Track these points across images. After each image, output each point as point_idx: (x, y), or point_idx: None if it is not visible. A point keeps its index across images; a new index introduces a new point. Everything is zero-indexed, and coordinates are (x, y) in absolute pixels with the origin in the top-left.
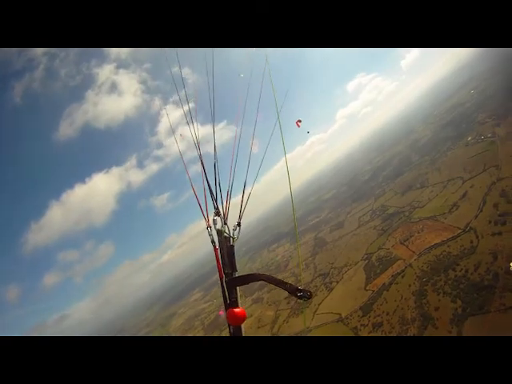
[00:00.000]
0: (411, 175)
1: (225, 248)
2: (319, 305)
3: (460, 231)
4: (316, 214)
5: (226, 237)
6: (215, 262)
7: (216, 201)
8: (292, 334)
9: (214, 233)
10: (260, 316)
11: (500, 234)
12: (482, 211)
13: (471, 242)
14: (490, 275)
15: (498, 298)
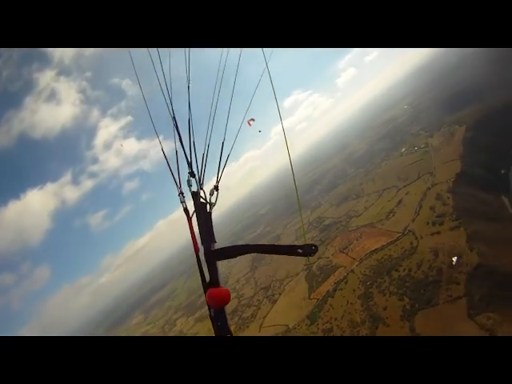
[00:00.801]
0: (346, 187)
1: (202, 216)
2: (264, 318)
3: (399, 235)
4: (253, 229)
5: (201, 203)
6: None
7: (190, 161)
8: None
9: (188, 200)
10: None
11: (439, 233)
12: (418, 215)
13: (411, 243)
14: (434, 271)
15: (445, 291)
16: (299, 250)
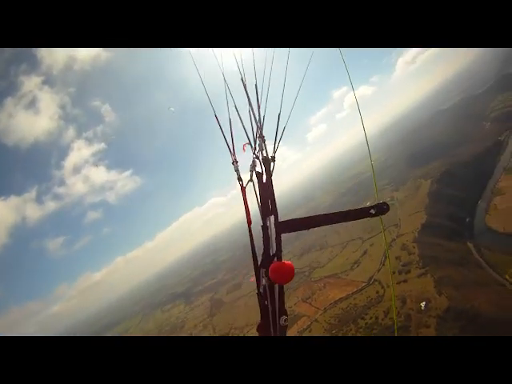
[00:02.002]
0: (310, 238)
1: (261, 185)
2: None
3: (364, 284)
4: (212, 276)
5: (258, 173)
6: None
7: (262, 124)
8: None
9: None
10: None
11: (406, 281)
12: (384, 265)
13: (377, 292)
14: (402, 317)
15: (415, 334)
16: (372, 211)
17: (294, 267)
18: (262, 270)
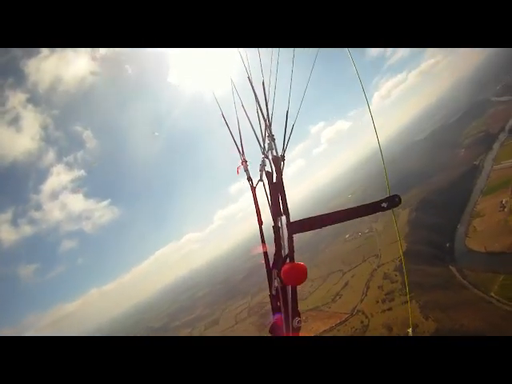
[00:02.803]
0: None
1: (270, 186)
2: None
3: (347, 315)
4: (189, 311)
5: (268, 172)
6: None
7: (270, 122)
8: None
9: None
10: None
11: (390, 309)
12: (366, 295)
13: (362, 322)
14: None
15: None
16: (383, 205)
17: (306, 268)
18: (275, 272)
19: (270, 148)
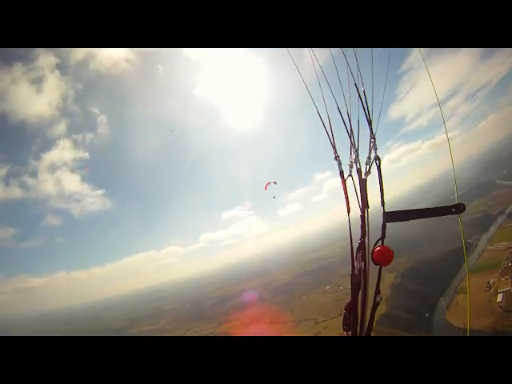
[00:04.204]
0: (261, 311)
1: (360, 183)
2: None
3: None
4: (152, 322)
5: (358, 169)
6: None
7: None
8: None
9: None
10: None
11: None
12: None
13: None
14: None
15: None
16: (453, 209)
17: (393, 252)
18: (359, 254)
19: (375, 148)
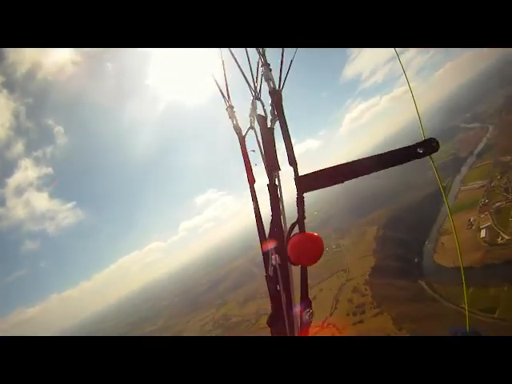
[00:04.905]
0: (252, 286)
1: (264, 133)
2: None
3: (317, 329)
4: (152, 322)
5: (261, 116)
6: None
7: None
8: None
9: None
10: None
11: (362, 321)
12: (336, 308)
13: (333, 334)
14: None
15: None
16: (419, 150)
17: (322, 240)
18: (272, 245)
19: (267, 78)
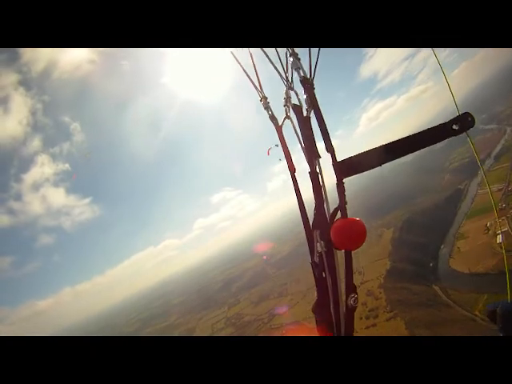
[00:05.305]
0: (267, 286)
1: (301, 122)
2: None
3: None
4: (163, 319)
5: (296, 106)
6: None
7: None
8: None
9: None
10: None
11: (375, 325)
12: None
13: None
14: None
15: None
16: (454, 127)
17: (365, 226)
18: (316, 232)
19: (296, 67)
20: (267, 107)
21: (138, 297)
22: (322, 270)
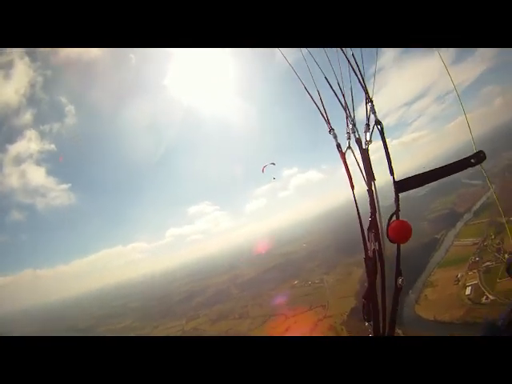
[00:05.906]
0: (229, 305)
1: (362, 153)
2: None
3: None
4: (118, 320)
5: (358, 139)
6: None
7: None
8: None
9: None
10: None
11: None
12: None
13: None
14: None
15: None
16: (472, 160)
17: (411, 226)
18: (371, 234)
19: (373, 111)
20: (335, 137)
21: (99, 293)
22: (374, 264)
